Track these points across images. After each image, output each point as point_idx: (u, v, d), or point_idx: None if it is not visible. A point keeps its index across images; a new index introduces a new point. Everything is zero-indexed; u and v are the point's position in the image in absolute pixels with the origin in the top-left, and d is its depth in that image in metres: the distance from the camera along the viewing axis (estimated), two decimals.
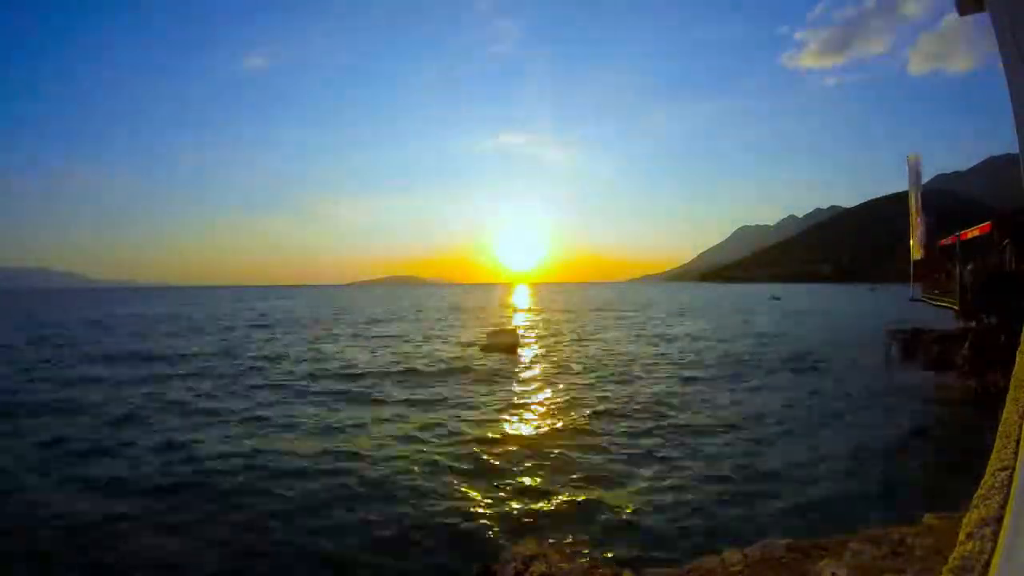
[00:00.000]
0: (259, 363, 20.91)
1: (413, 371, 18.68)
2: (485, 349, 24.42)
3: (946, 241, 18.12)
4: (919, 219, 18.57)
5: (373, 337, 31.49)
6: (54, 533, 6.65)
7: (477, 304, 75.86)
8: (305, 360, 21.65)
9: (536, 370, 19.22)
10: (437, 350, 24.77)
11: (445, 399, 14.12)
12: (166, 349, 25.61)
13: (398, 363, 20.50)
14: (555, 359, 21.82)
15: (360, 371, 18.74)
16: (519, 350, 24.41)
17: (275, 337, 31.55)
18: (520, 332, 30.38)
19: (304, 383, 16.65)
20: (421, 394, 14.79)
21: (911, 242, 19.14)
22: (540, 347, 26.37)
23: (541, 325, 40.18)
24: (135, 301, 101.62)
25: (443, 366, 19.78)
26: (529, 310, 63.23)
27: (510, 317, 47.31)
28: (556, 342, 28.61)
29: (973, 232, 15.77)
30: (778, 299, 78.95)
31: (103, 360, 21.88)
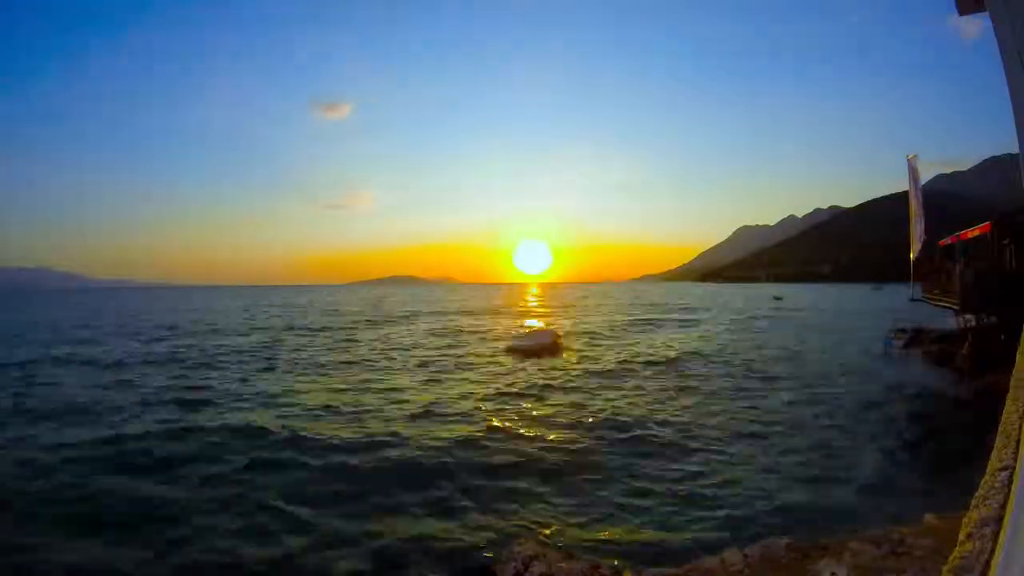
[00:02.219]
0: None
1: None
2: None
3: (946, 241, 18.15)
4: (917, 219, 18.60)
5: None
6: None
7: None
8: None
9: None
10: None
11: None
12: None
13: None
14: None
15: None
16: None
17: None
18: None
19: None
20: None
21: (911, 242, 19.18)
22: None
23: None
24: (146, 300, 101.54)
25: None
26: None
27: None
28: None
29: (973, 232, 15.79)
30: (780, 299, 79.83)
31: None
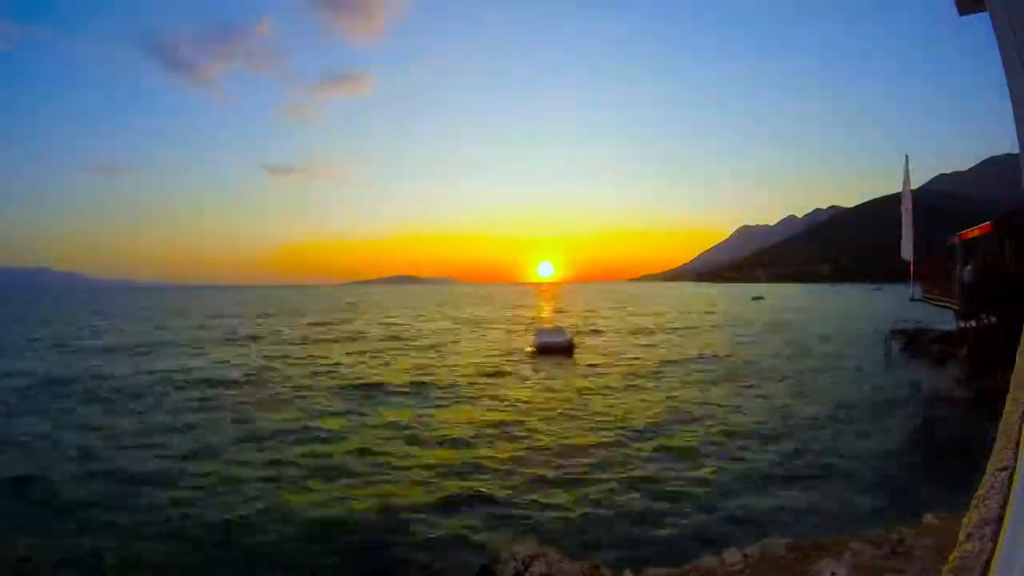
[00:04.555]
0: None
1: None
2: None
3: (954, 241, 17.93)
4: (910, 219, 18.43)
5: None
6: None
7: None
8: None
9: None
10: None
11: None
12: None
13: None
14: None
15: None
16: None
17: None
18: None
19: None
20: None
21: (903, 242, 19.01)
22: None
23: None
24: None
25: None
26: None
27: None
28: None
29: (973, 232, 15.75)
30: (761, 299, 79.79)
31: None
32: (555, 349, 22.62)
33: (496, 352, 24.05)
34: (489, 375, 18.01)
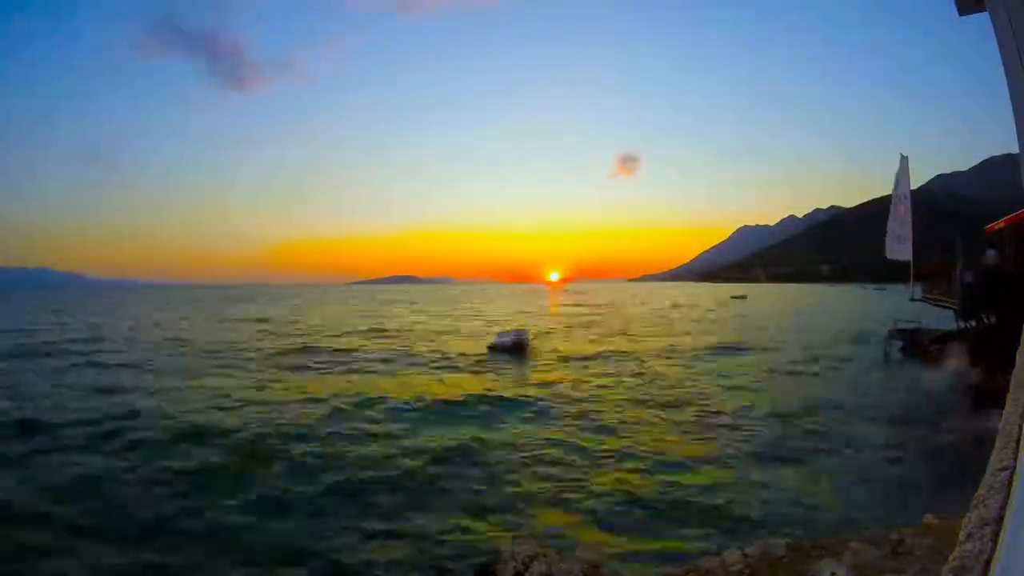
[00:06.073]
0: None
1: None
2: None
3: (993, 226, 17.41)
4: (904, 220, 18.35)
5: None
6: None
7: None
8: None
9: None
10: None
11: None
12: None
13: None
14: None
15: None
16: None
17: None
18: None
19: None
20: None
21: (887, 242, 18.89)
22: None
23: None
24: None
25: None
26: None
27: None
28: None
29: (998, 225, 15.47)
30: (743, 298, 79.78)
31: None
32: (508, 348, 23.06)
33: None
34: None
